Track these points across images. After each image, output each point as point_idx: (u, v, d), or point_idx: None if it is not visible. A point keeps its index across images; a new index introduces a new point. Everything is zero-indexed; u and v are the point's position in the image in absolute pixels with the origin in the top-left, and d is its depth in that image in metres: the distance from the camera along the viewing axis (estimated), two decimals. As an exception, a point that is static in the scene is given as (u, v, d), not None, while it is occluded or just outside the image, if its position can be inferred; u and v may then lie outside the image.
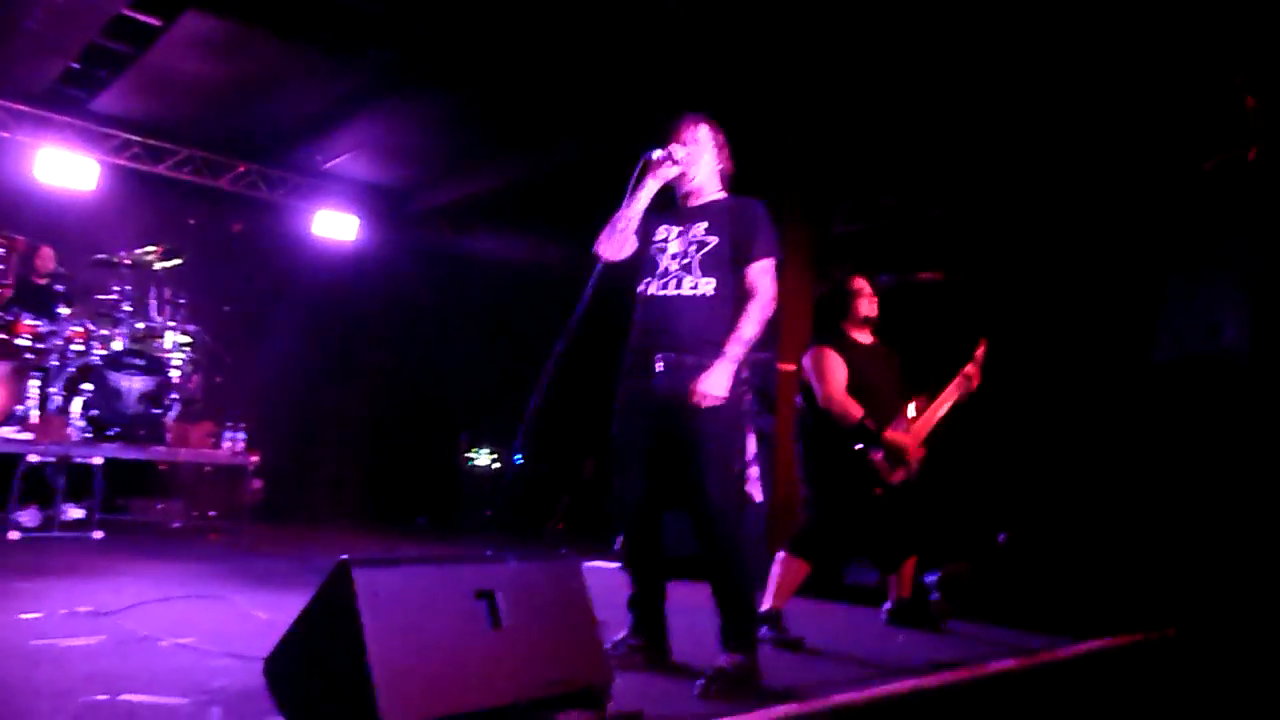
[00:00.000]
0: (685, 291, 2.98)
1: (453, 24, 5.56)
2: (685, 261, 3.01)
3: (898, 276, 6.87)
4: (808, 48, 5.43)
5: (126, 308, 6.33)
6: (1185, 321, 5.72)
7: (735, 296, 2.97)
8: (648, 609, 3.05)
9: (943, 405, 3.94)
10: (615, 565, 5.68)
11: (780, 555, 3.72)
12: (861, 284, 3.99)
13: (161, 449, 6.12)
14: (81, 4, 5.52)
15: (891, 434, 3.71)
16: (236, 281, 7.90)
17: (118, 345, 6.21)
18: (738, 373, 2.90)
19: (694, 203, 3.15)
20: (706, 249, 3.02)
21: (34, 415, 5.85)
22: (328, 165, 7.96)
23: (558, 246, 8.45)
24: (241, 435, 6.43)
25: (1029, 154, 6.16)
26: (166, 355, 6.44)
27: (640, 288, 3.08)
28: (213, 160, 7.74)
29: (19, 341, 5.80)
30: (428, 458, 9.03)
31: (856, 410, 3.66)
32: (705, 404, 2.80)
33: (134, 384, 6.03)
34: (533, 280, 9.02)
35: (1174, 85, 5.19)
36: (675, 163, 3.04)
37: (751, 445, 3.09)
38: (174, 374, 6.41)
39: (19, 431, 5.69)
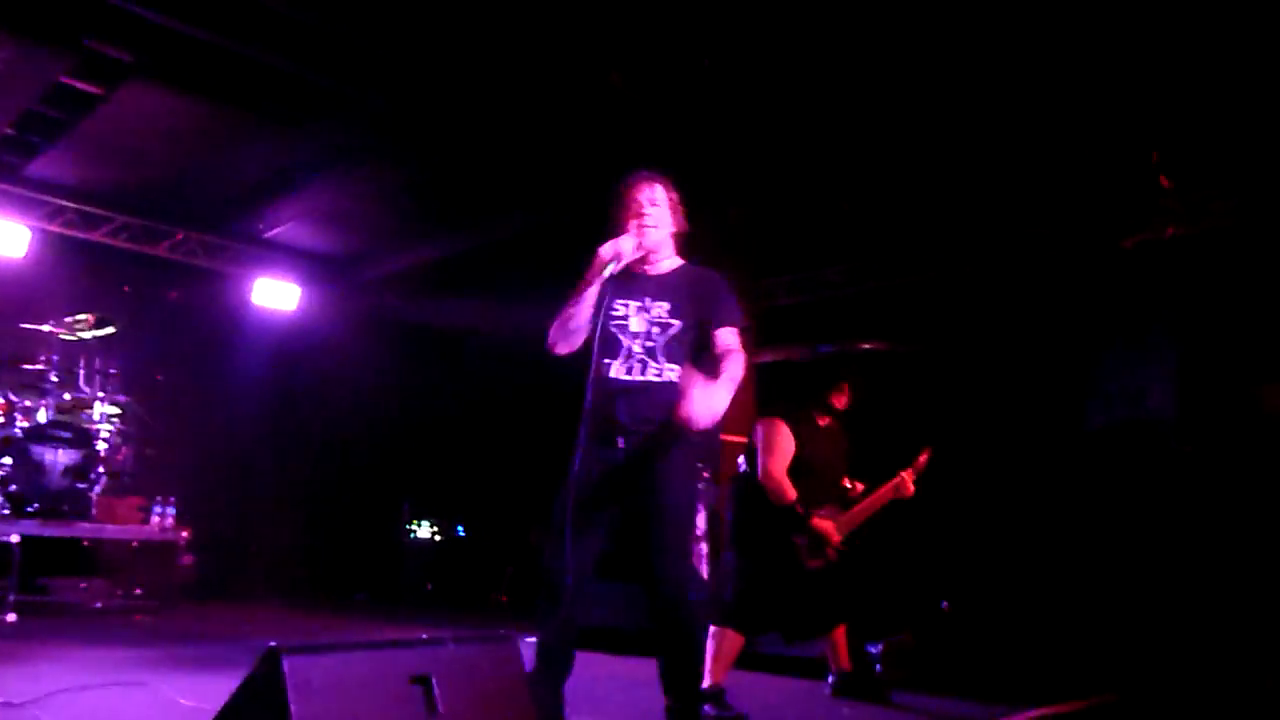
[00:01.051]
0: (650, 378, 2.96)
1: (395, 96, 5.60)
2: (649, 345, 2.99)
3: (840, 346, 7.01)
4: (749, 123, 5.58)
5: (54, 378, 6.15)
6: (1114, 389, 5.92)
7: (705, 373, 2.92)
8: (555, 686, 2.91)
9: (875, 504, 4.00)
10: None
11: (711, 630, 3.69)
12: (848, 385, 4.06)
13: (86, 525, 5.89)
14: (20, 71, 5.45)
15: (818, 522, 3.79)
16: (171, 350, 7.73)
17: (42, 417, 6.01)
18: (695, 454, 2.96)
19: (651, 269, 3.11)
20: (670, 334, 3.00)
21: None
22: (269, 234, 7.89)
23: (503, 315, 8.45)
24: (172, 510, 6.24)
25: (967, 228, 6.38)
26: (95, 427, 6.24)
27: (600, 365, 2.97)
28: (150, 227, 7.63)
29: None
30: (368, 530, 8.84)
31: (790, 492, 3.75)
32: (699, 425, 2.75)
33: (59, 457, 5.83)
34: (478, 349, 9.00)
35: (1095, 166, 5.43)
36: (620, 255, 2.95)
37: (700, 522, 3.11)
38: (102, 446, 6.21)
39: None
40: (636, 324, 3.01)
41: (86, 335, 6.37)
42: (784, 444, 3.83)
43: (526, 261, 7.56)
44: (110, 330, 6.47)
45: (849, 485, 4.03)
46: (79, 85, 5.60)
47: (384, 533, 8.75)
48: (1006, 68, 4.81)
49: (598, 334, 2.97)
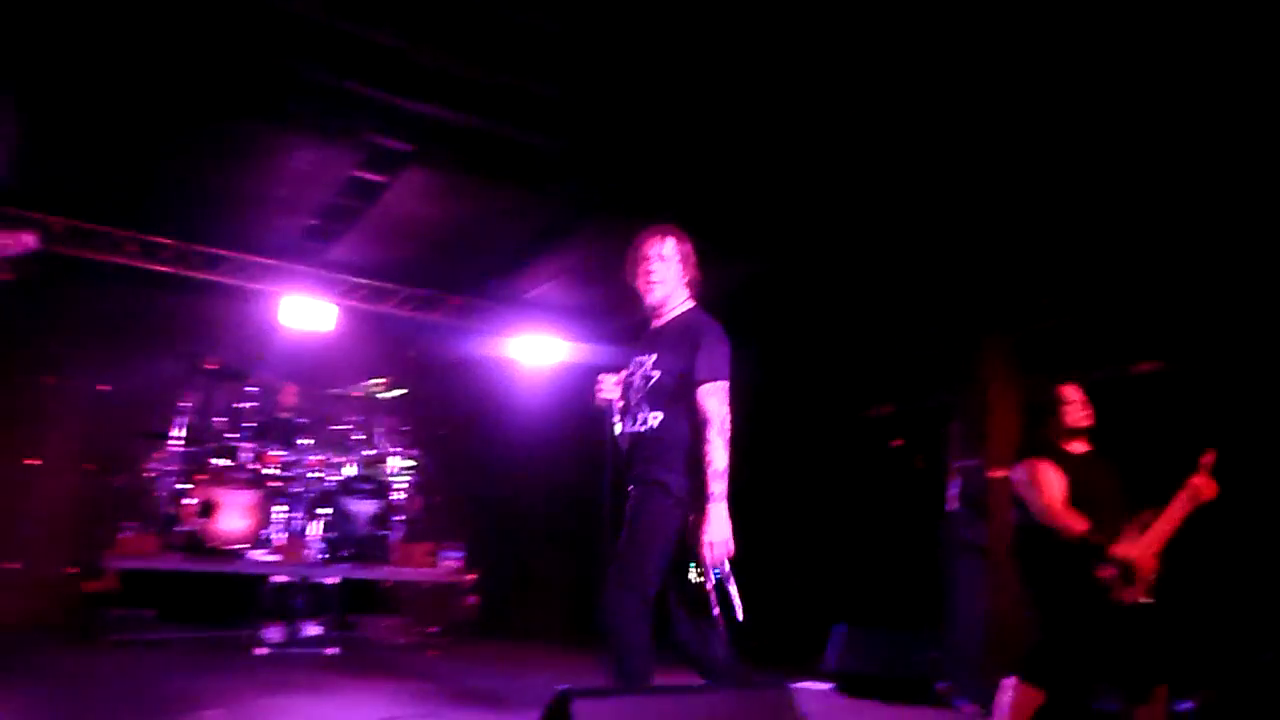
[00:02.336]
0: (639, 428, 3.08)
1: (624, 157, 5.89)
2: (638, 397, 3.10)
3: (1111, 370, 6.47)
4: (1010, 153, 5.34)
5: (357, 436, 6.90)
6: None
7: (690, 423, 3.00)
8: None
9: (1172, 519, 3.60)
10: (826, 686, 5.49)
11: (1009, 682, 3.47)
12: (1068, 392, 3.76)
13: (388, 568, 6.53)
14: (320, 170, 6.24)
15: (1121, 548, 3.43)
16: (451, 407, 8.44)
17: (349, 471, 6.75)
18: (669, 492, 2.94)
19: (658, 322, 3.24)
20: (652, 383, 3.08)
21: (278, 539, 6.41)
22: (531, 294, 8.45)
23: (752, 355, 8.51)
24: (458, 553, 6.77)
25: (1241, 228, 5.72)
26: (391, 479, 6.93)
27: (619, 424, 3.21)
28: (429, 296, 8.41)
29: (266, 471, 6.42)
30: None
31: (1080, 523, 3.42)
32: (717, 552, 2.87)
33: (364, 507, 6.51)
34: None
35: None
36: (611, 404, 3.18)
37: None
38: (397, 496, 6.88)
39: (266, 554, 6.24)
40: (636, 379, 3.15)
41: (382, 396, 7.12)
42: (1050, 480, 3.54)
43: (776, 300, 7.63)
44: (401, 391, 7.19)
45: (1135, 512, 3.64)
46: (367, 176, 6.31)
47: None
48: None
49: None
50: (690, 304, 3.24)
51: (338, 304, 7.93)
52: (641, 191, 6.33)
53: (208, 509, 6.08)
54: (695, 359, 3.01)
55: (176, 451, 6.44)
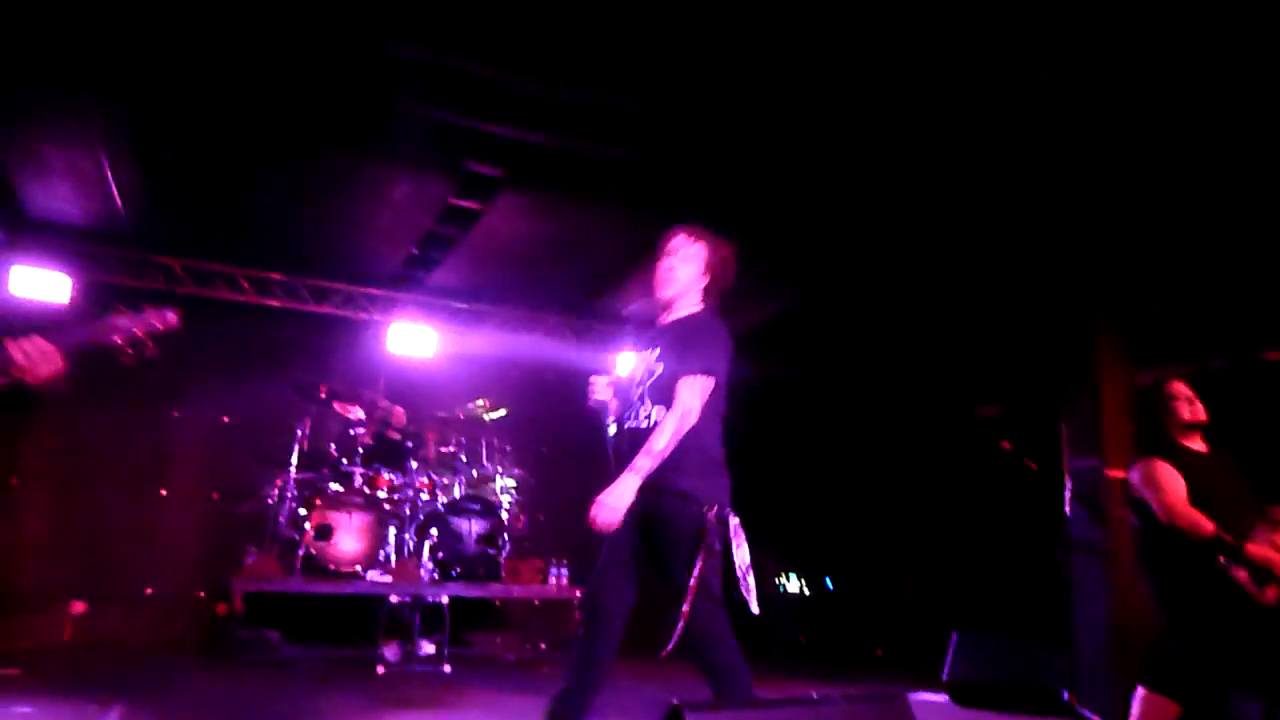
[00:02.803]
0: (642, 424, 3.05)
1: (715, 169, 5.89)
2: (641, 392, 3.10)
3: (1232, 359, 6.15)
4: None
5: (463, 457, 7.07)
6: None
7: (699, 418, 3.01)
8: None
9: None
10: (943, 698, 5.35)
11: (1140, 693, 3.32)
12: (1178, 388, 3.59)
13: (498, 586, 6.65)
14: (419, 200, 6.44)
15: (1254, 547, 3.25)
16: (552, 425, 8.55)
17: (457, 492, 6.91)
18: (689, 499, 2.92)
19: (665, 319, 3.24)
20: (654, 377, 3.08)
21: (392, 560, 6.60)
22: (627, 310, 8.52)
23: (848, 368, 8.41)
24: (565, 570, 6.85)
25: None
26: (497, 498, 7.07)
27: (623, 420, 3.21)
28: (527, 316, 8.57)
29: (380, 494, 6.62)
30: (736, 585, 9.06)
31: (1206, 524, 3.25)
32: (601, 516, 2.87)
33: (472, 527, 6.66)
34: (831, 403, 9.02)
35: None
36: (602, 403, 3.28)
37: (743, 556, 3.08)
38: (504, 515, 7.01)
39: (381, 575, 6.43)
40: (639, 372, 3.16)
41: (485, 418, 7.27)
42: (1171, 479, 3.37)
43: (867, 309, 7.52)
44: (503, 412, 7.34)
45: (1262, 508, 3.43)
46: (463, 203, 6.48)
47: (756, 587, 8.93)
48: None
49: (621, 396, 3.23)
50: (700, 306, 3.22)
51: (440, 328, 8.15)
52: (737, 201, 6.34)
53: (325, 532, 6.31)
54: (685, 350, 3.03)
55: (294, 477, 6.70)
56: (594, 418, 3.36)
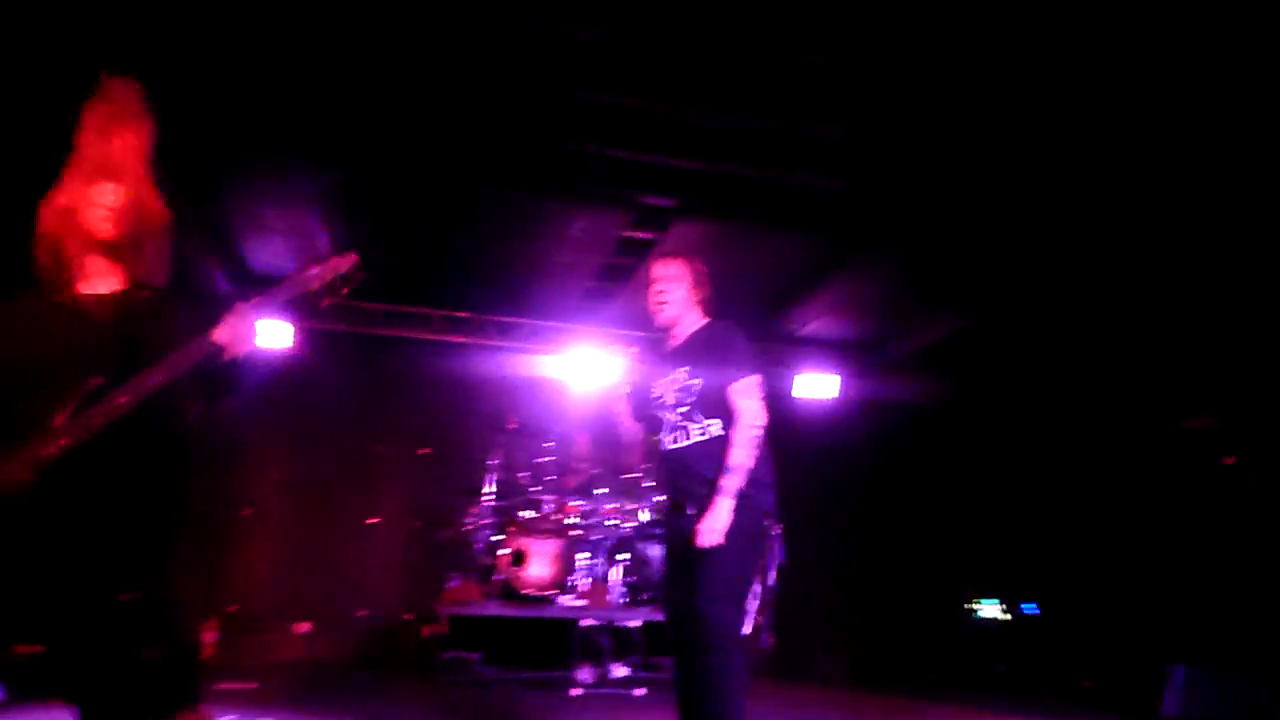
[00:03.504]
0: (695, 439, 3.14)
1: (885, 190, 5.81)
2: (684, 410, 3.16)
3: None
4: None
5: (647, 483, 7.20)
6: None
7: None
8: None
9: None
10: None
11: None
12: None
13: (685, 610, 6.71)
14: (595, 234, 6.66)
15: None
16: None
17: (643, 517, 7.04)
18: (750, 502, 3.00)
19: (675, 342, 3.35)
20: (698, 391, 3.15)
21: (583, 584, 6.79)
22: (804, 330, 8.47)
23: (1039, 383, 8.01)
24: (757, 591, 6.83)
25: None
26: (680, 524, 7.15)
27: (657, 442, 3.30)
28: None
29: (569, 521, 6.85)
30: (926, 611, 8.76)
31: None
32: (707, 543, 2.90)
33: (659, 552, 6.76)
34: (1016, 421, 8.63)
35: None
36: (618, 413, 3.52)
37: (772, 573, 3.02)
38: (689, 540, 7.08)
39: (573, 599, 6.63)
40: (669, 397, 3.23)
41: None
42: None
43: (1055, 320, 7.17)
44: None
45: None
46: (638, 235, 6.65)
47: (943, 612, 8.61)
48: None
49: (650, 417, 3.33)
50: (704, 320, 3.37)
51: (619, 358, 8.33)
52: (918, 218, 6.21)
53: (519, 558, 6.57)
54: (724, 364, 3.14)
55: (488, 505, 7.03)
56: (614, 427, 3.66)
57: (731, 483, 2.98)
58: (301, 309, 2.39)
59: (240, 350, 2.23)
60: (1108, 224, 5.82)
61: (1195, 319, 6.75)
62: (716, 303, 3.48)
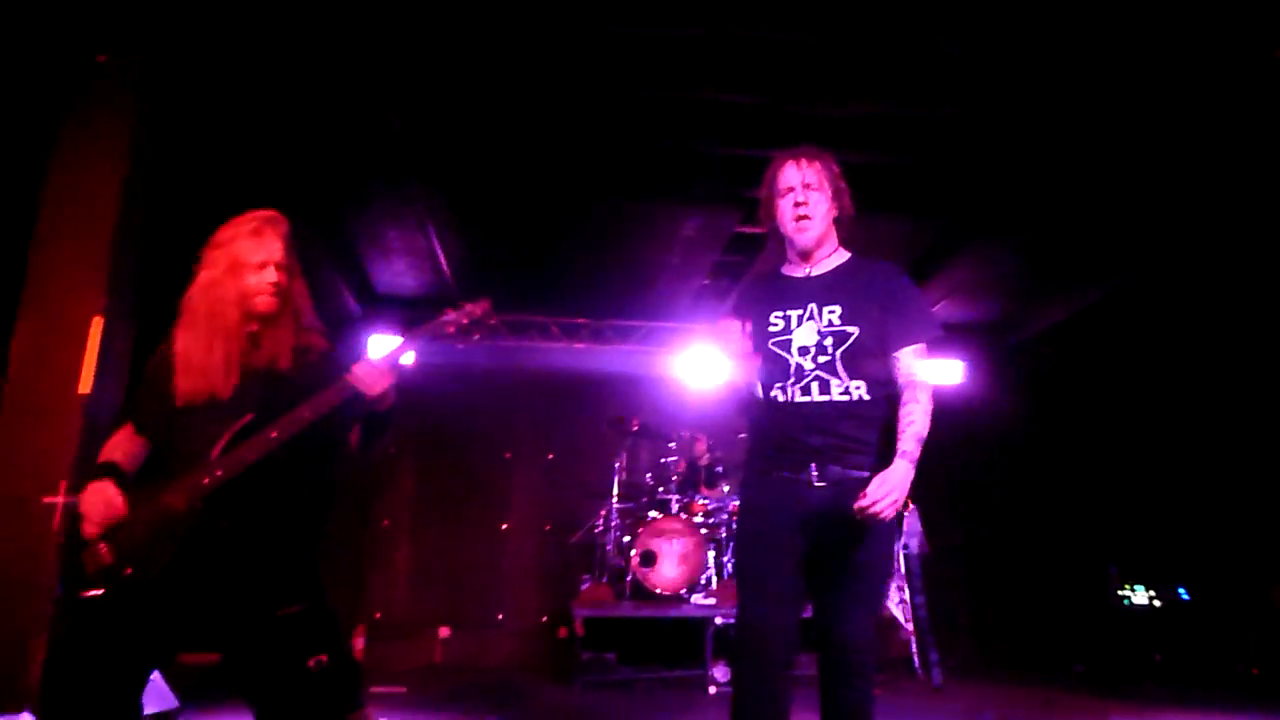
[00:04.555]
0: (835, 397, 2.47)
1: (998, 179, 5.62)
2: (825, 360, 2.49)
3: None
4: None
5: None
6: None
7: (889, 395, 2.49)
8: None
9: None
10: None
11: None
12: None
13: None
14: (708, 234, 6.66)
15: None
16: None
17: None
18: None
19: (814, 269, 2.65)
20: (848, 343, 2.49)
21: (714, 582, 6.79)
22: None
23: (1181, 359, 7.60)
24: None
25: None
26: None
27: (770, 392, 2.53)
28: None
29: (697, 519, 6.86)
30: (1074, 597, 8.40)
31: None
32: (883, 510, 2.26)
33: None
34: (1165, 398, 8.20)
35: None
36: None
37: (899, 565, 2.48)
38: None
39: (705, 598, 6.64)
40: (804, 337, 2.53)
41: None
42: None
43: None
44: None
45: None
46: (749, 230, 6.61)
47: (1092, 600, 8.24)
48: None
49: (763, 358, 2.53)
50: (847, 252, 2.70)
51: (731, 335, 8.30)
52: (1018, 211, 6.00)
53: (649, 558, 6.62)
54: (899, 315, 2.51)
55: (616, 507, 7.10)
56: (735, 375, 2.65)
57: (914, 449, 2.36)
58: (437, 348, 2.53)
59: (378, 391, 2.41)
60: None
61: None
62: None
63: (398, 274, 7.54)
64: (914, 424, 2.40)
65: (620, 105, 5.09)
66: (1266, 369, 7.58)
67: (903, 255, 7.13)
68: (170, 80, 4.28)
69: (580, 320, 8.24)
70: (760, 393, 2.57)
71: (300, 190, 5.79)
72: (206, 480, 2.29)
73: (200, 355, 2.41)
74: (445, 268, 7.27)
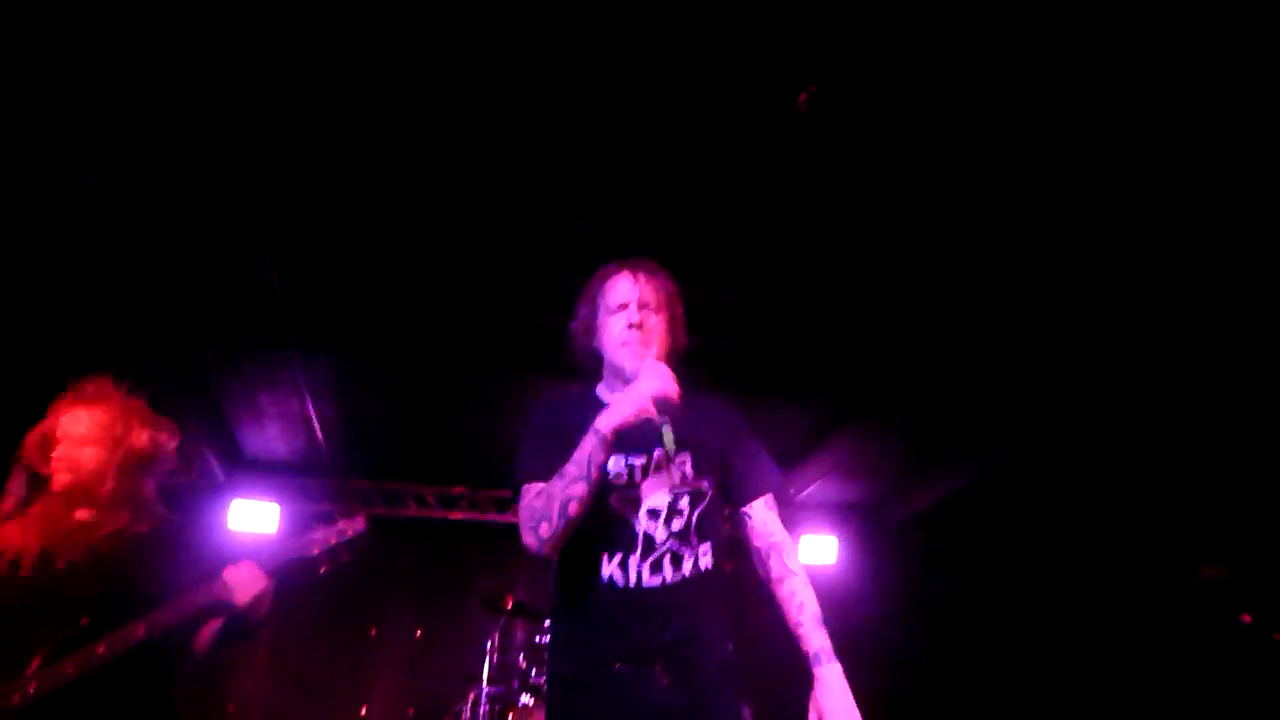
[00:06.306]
0: (687, 572, 1.96)
1: (877, 363, 5.92)
2: (680, 528, 1.99)
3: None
4: None
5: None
6: None
7: (728, 555, 2.05)
8: None
9: None
10: None
11: None
12: None
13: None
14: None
15: None
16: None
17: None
18: (735, 677, 1.97)
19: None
20: (704, 503, 2.03)
21: None
22: (800, 495, 8.38)
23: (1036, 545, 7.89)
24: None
25: None
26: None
27: (602, 568, 1.96)
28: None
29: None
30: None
31: None
32: None
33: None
34: (1016, 581, 8.44)
35: None
36: (673, 399, 1.96)
37: None
38: None
39: None
40: (657, 498, 2.01)
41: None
42: None
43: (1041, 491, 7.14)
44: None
45: None
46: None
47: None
48: None
49: (598, 520, 1.96)
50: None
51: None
52: (891, 397, 6.28)
53: (518, 748, 6.23)
54: (750, 462, 2.13)
55: (486, 691, 6.72)
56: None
57: (826, 637, 2.02)
58: (300, 572, 2.37)
59: (248, 599, 2.22)
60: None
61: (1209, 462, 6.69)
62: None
63: (269, 439, 7.25)
64: (806, 606, 2.03)
65: (508, 283, 5.18)
66: (1131, 544, 7.90)
67: (785, 433, 7.29)
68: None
69: (457, 490, 8.03)
70: (580, 564, 1.99)
71: (166, 347, 5.56)
72: (17, 699, 2.01)
73: (16, 540, 2.19)
74: (319, 434, 7.04)
